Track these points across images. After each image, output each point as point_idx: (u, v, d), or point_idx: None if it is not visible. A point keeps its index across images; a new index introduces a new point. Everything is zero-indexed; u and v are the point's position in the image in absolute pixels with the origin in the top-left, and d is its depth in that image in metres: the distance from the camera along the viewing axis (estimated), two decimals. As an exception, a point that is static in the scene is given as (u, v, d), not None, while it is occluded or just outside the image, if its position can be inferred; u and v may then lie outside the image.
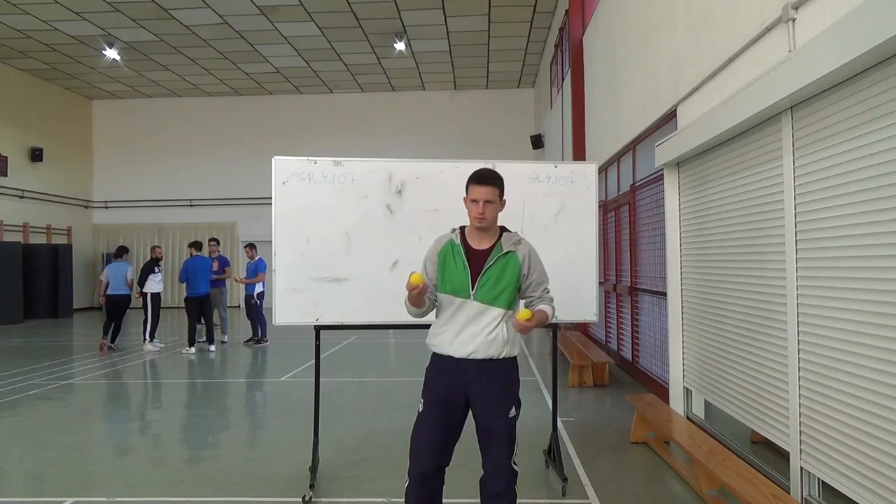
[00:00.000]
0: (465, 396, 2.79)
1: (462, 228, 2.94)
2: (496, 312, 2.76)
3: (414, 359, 9.33)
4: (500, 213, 2.91)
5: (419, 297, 2.74)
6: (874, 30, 2.52)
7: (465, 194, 2.85)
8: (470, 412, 2.84)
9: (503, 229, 2.92)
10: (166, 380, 8.28)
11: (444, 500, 2.88)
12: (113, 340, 10.71)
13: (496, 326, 2.76)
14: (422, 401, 2.84)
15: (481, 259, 2.79)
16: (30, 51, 15.44)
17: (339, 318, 4.13)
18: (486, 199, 2.75)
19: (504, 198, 2.87)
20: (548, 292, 2.94)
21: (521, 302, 2.94)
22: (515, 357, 2.87)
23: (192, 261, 10.54)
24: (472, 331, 2.75)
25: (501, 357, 2.78)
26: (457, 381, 2.77)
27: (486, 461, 2.76)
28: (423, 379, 2.89)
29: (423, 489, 2.77)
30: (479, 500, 2.81)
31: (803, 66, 3.09)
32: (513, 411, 2.78)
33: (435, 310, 2.92)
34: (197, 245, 10.80)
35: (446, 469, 2.83)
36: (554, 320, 4.20)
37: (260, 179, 18.42)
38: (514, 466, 2.75)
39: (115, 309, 10.67)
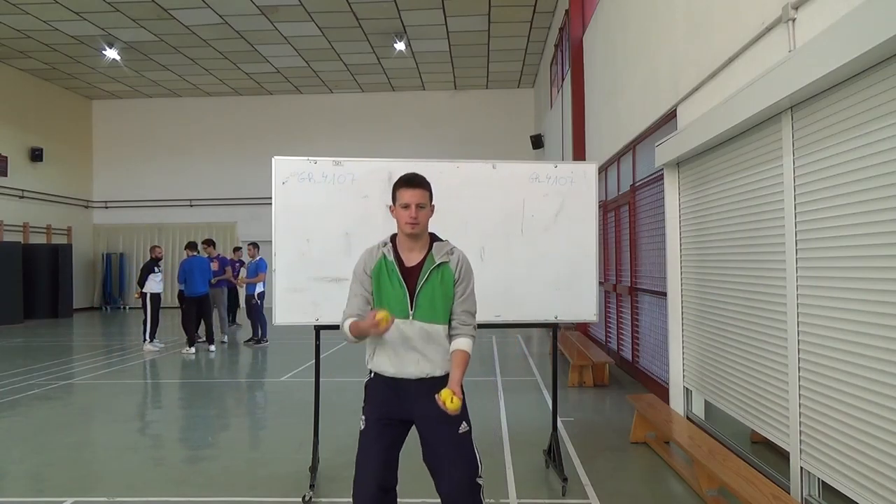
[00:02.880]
0: (408, 412, 2.64)
1: (393, 239, 2.77)
2: (439, 328, 2.64)
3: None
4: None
5: (370, 333, 2.53)
6: (874, 30, 2.52)
7: (390, 203, 2.71)
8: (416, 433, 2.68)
9: (433, 237, 2.76)
10: (166, 380, 8.28)
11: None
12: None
13: (441, 343, 2.64)
14: (363, 417, 2.69)
15: (415, 275, 2.65)
16: (30, 51, 15.44)
17: (339, 318, 4.11)
18: (418, 203, 2.60)
19: (433, 203, 2.73)
20: (470, 316, 2.69)
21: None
22: None
23: (189, 261, 10.53)
24: (415, 350, 2.62)
25: (446, 374, 2.63)
26: (398, 401, 2.64)
27: (444, 483, 2.55)
28: (364, 393, 2.74)
29: None
30: None
31: (803, 66, 3.09)
32: (463, 426, 2.61)
33: None
34: (192, 245, 10.80)
35: (396, 489, 2.66)
36: (553, 320, 4.24)
37: (260, 179, 18.39)
38: (479, 481, 2.57)
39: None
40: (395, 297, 2.64)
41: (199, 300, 10.47)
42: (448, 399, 2.41)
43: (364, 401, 2.74)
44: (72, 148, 19.16)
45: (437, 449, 2.59)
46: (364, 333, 2.60)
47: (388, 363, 2.66)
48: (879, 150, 2.80)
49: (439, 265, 2.67)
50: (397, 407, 2.65)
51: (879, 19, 2.50)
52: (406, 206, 2.62)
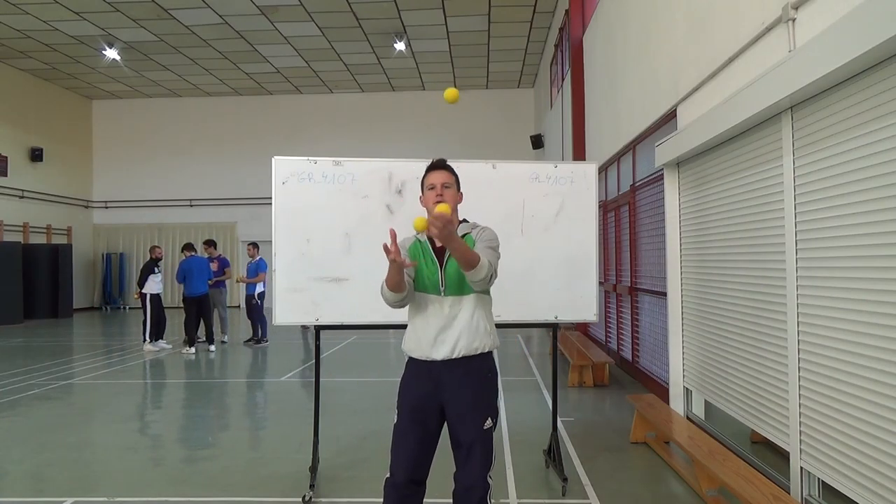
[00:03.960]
0: (440, 404, 2.70)
1: None
2: (469, 299, 2.69)
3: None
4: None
5: (400, 273, 2.55)
6: (874, 30, 2.52)
7: (420, 193, 2.84)
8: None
9: (462, 221, 2.87)
10: (166, 380, 8.28)
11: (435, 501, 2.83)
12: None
13: (473, 315, 2.68)
14: (397, 410, 2.75)
15: (444, 252, 2.73)
16: (30, 51, 15.44)
17: (339, 318, 4.13)
18: (443, 183, 2.74)
19: (461, 191, 2.84)
20: (490, 251, 2.68)
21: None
22: (492, 354, 2.77)
23: (187, 261, 10.54)
24: (451, 326, 2.67)
25: (479, 352, 2.68)
26: (430, 388, 2.68)
27: (459, 475, 2.66)
28: (398, 387, 2.79)
29: (391, 501, 2.70)
30: None
31: (803, 66, 3.09)
32: (488, 422, 2.67)
33: (408, 311, 2.82)
34: (189, 246, 10.81)
35: (426, 482, 2.73)
36: (554, 320, 4.24)
37: (260, 179, 18.43)
38: (489, 480, 2.65)
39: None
40: (431, 275, 2.73)
41: (199, 300, 10.47)
42: (441, 207, 2.44)
43: (398, 394, 2.79)
44: (72, 148, 19.17)
45: (460, 440, 2.68)
46: (393, 275, 2.58)
47: (417, 341, 2.72)
48: (879, 150, 2.80)
49: (463, 236, 2.74)
50: (430, 393, 2.69)
51: (879, 19, 2.50)
52: (432, 187, 2.74)
